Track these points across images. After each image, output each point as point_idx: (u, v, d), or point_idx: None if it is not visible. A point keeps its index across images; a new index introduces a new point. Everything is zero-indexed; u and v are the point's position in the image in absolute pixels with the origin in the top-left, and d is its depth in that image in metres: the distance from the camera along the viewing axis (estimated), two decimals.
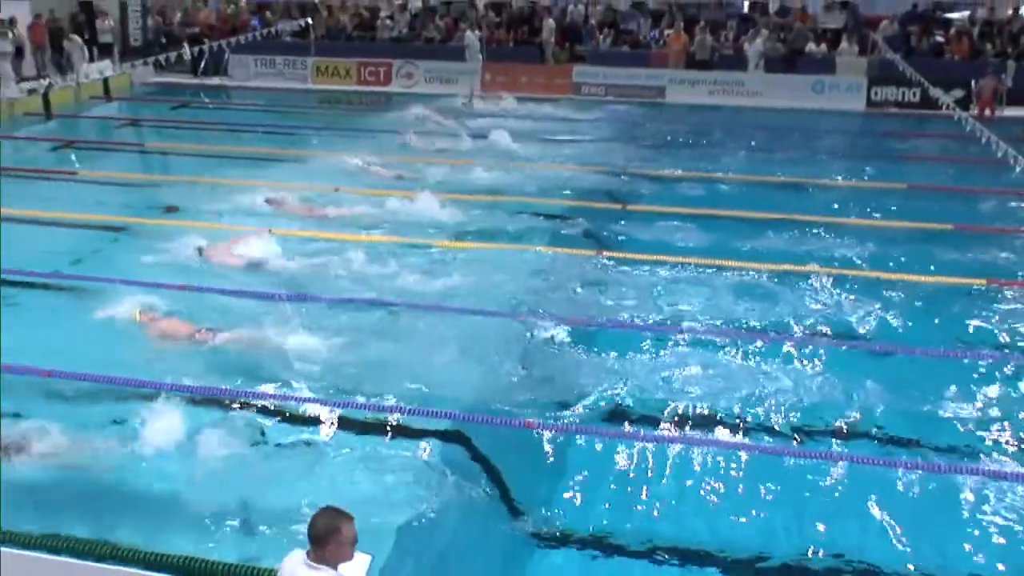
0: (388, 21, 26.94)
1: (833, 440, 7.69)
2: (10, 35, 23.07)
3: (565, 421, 7.83)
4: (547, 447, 7.53)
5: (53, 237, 12.37)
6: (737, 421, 7.86)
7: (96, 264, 11.20)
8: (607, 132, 19.95)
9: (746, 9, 29.68)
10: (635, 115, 21.97)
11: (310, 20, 26.57)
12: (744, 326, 9.75)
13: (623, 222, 13.45)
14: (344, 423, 7.73)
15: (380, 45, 26.23)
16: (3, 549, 5.16)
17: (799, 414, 7.96)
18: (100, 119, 21.11)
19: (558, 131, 19.84)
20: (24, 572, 5.12)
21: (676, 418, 7.91)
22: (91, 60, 24.15)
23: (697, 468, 7.25)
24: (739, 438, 7.66)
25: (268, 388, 8.18)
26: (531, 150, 17.82)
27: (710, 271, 11.24)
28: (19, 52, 23.41)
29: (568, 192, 14.97)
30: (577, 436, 7.68)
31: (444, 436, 7.56)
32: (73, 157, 17.35)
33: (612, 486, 7.03)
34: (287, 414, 7.83)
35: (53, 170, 15.76)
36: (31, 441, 7.01)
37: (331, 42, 26.52)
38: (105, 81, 23.07)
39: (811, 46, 24.31)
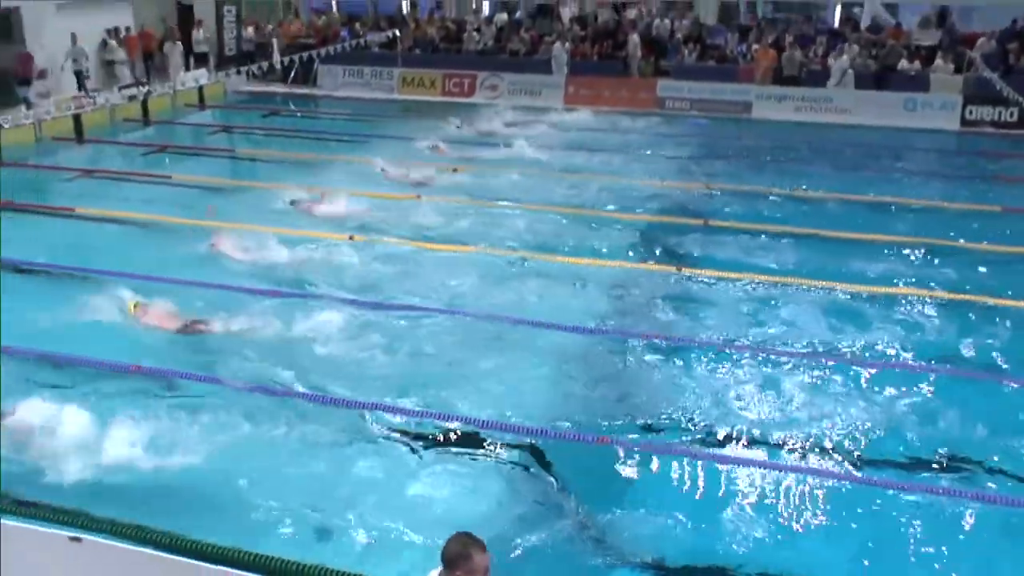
0: (475, 34, 27.20)
1: (921, 470, 7.42)
2: (116, 48, 24.56)
3: (640, 439, 7.76)
4: (622, 464, 7.45)
5: (144, 237, 12.82)
6: (817, 446, 7.67)
7: (183, 266, 11.56)
8: (690, 147, 19.76)
9: (836, 24, 29.07)
10: (720, 130, 21.74)
11: (398, 32, 26.98)
12: (826, 348, 9.52)
13: (704, 238, 13.28)
14: (416, 434, 7.78)
15: (465, 57, 26.49)
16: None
17: (882, 442, 7.74)
18: (194, 126, 21.75)
19: (640, 145, 19.74)
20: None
21: (753, 440, 7.76)
22: (188, 69, 25.03)
23: (772, 492, 7.10)
24: (819, 464, 7.47)
25: (342, 393, 8.33)
26: (612, 163, 17.81)
27: (793, 290, 11.04)
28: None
29: (649, 207, 14.85)
30: (653, 455, 7.58)
31: (518, 449, 7.57)
32: (167, 161, 17.95)
33: (686, 507, 6.92)
34: (363, 422, 7.94)
35: (147, 173, 16.31)
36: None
37: (417, 53, 26.89)
38: (200, 89, 23.83)
39: (904, 63, 23.67)
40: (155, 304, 9.87)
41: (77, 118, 19.74)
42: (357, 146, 19.12)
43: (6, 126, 17.95)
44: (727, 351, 9.43)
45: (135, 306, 9.77)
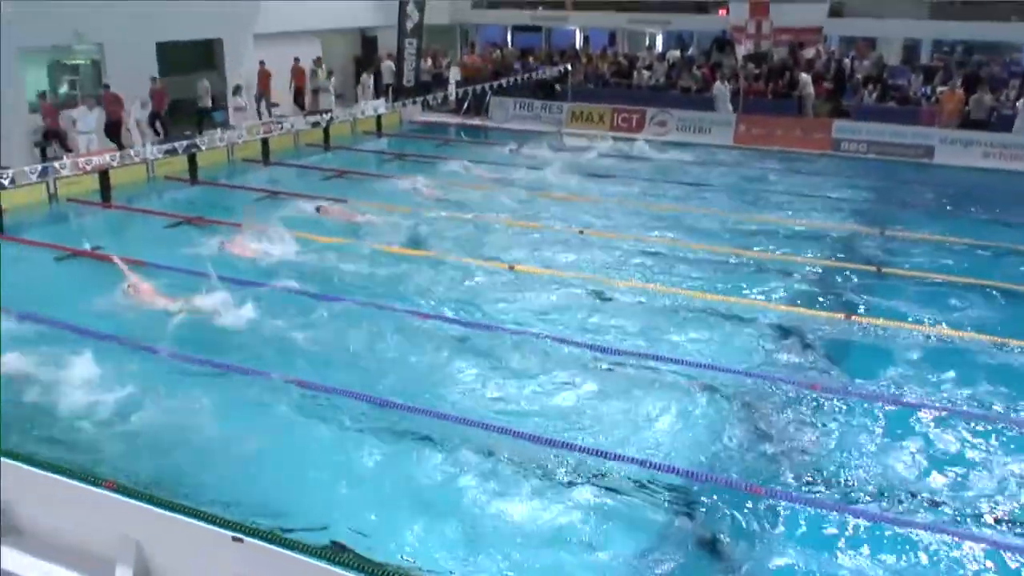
0: (646, 70, 27.22)
1: None
2: (322, 76, 26.33)
3: (793, 491, 7.47)
4: (772, 516, 7.18)
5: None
6: (986, 514, 7.16)
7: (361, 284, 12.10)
8: (866, 190, 18.99)
9: None
10: (898, 174, 20.73)
11: (569, 67, 27.34)
12: (1004, 410, 8.89)
13: (876, 286, 12.71)
14: (562, 468, 7.78)
15: (635, 93, 26.53)
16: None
17: None
18: (370, 152, 22.69)
19: (812, 186, 19.16)
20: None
21: (916, 503, 7.32)
22: (378, 96, 26.40)
23: (934, 559, 6.65)
24: (989, 534, 6.95)
25: (491, 419, 8.45)
26: (781, 203, 17.36)
27: (969, 346, 10.39)
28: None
29: (819, 250, 14.38)
30: (805, 508, 7.27)
31: (666, 490, 7.45)
32: (344, 183, 18.80)
33: (837, 569, 6.59)
34: (507, 448, 8.01)
35: (325, 196, 17.10)
36: None
37: (588, 88, 27.13)
38: (378, 118, 24.93)
39: None
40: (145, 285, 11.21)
41: (265, 142, 21.09)
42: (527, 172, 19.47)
43: (203, 148, 19.34)
44: (893, 405, 8.97)
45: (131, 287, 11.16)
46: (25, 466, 6.57)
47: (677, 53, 28.90)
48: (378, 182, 18.64)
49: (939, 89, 23.70)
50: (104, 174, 17.23)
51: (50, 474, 6.47)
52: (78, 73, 21.53)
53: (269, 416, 8.58)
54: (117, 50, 20.71)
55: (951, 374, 9.60)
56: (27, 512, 6.52)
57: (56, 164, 16.79)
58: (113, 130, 20.31)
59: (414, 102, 25.75)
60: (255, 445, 7.94)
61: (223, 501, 6.93)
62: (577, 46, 31.18)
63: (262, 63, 24.28)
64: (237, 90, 22.62)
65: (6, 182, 15.51)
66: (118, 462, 7.62)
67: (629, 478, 7.60)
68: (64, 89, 21.23)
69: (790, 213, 16.71)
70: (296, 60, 25.13)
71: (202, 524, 5.84)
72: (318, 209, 15.53)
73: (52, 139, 19.08)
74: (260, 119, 23.06)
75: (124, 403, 8.57)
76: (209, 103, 22.98)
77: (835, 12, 26.24)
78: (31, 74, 20.02)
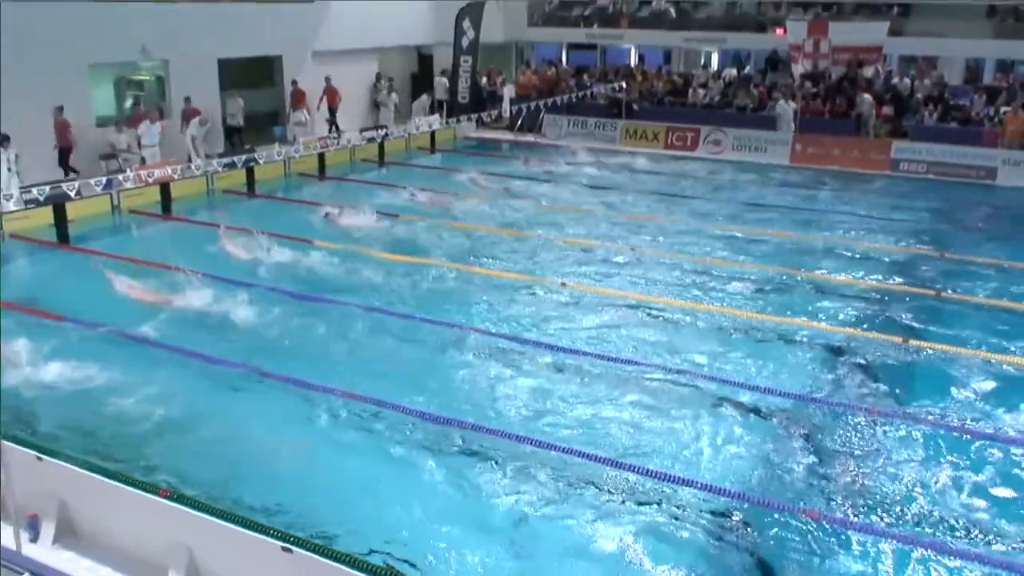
0: (701, 89, 27.08)
1: None
2: (383, 90, 26.82)
3: (849, 517, 7.34)
4: (826, 541, 7.06)
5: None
6: None
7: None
8: (926, 212, 18.64)
9: None
10: (959, 196, 20.31)
11: (624, 84, 27.32)
12: None
13: (935, 310, 12.45)
14: (618, 487, 7.75)
15: (690, 111, 26.40)
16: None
17: None
18: (422, 168, 22.86)
19: (870, 206, 18.86)
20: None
21: (974, 533, 7.14)
22: (431, 112, 26.66)
23: None
24: None
25: (540, 436, 8.43)
26: (838, 224, 17.13)
27: None
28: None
29: (876, 272, 14.13)
30: (860, 534, 7.12)
31: (719, 512, 7.38)
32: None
33: None
34: (565, 468, 7.99)
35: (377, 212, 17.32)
36: None
37: (643, 106, 27.05)
38: (432, 134, 25.15)
39: None
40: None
41: (321, 156, 21.42)
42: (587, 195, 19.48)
43: (261, 162, 19.69)
44: (952, 433, 8.76)
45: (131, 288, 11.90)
46: (83, 470, 6.73)
47: (733, 71, 28.71)
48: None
49: (1002, 109, 23.20)
50: (165, 187, 17.63)
51: (107, 479, 6.61)
52: (143, 89, 22.09)
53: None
54: (181, 66, 21.22)
55: (1011, 402, 9.36)
56: (84, 515, 6.68)
57: (120, 177, 17.22)
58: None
59: (468, 119, 25.92)
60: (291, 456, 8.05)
61: None
62: (632, 64, 31.15)
63: (328, 79, 24.57)
64: (297, 106, 22.98)
65: (72, 194, 15.95)
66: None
67: (681, 499, 7.54)
68: (129, 104, 21.76)
69: (847, 234, 16.47)
70: (327, 80, 24.57)
71: (253, 533, 5.91)
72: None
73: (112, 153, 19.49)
74: (318, 133, 23.35)
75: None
76: (241, 121, 22.85)
77: (895, 31, 25.84)
78: (99, 89, 20.57)
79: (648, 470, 7.90)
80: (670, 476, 7.80)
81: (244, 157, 19.52)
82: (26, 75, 17.40)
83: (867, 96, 23.92)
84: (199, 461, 7.94)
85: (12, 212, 15.40)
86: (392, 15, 27.02)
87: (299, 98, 23.59)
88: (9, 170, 16.35)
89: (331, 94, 24.64)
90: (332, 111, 24.76)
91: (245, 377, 9.68)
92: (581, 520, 7.23)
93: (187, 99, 20.82)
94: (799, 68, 25.90)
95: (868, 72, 25.47)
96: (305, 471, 7.94)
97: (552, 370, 10.13)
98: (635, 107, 26.74)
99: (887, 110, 23.95)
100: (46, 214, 15.59)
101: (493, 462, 8.05)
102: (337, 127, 24.47)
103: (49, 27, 18.05)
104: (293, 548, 5.66)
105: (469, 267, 13.95)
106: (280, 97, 24.53)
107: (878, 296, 13.03)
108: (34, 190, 15.67)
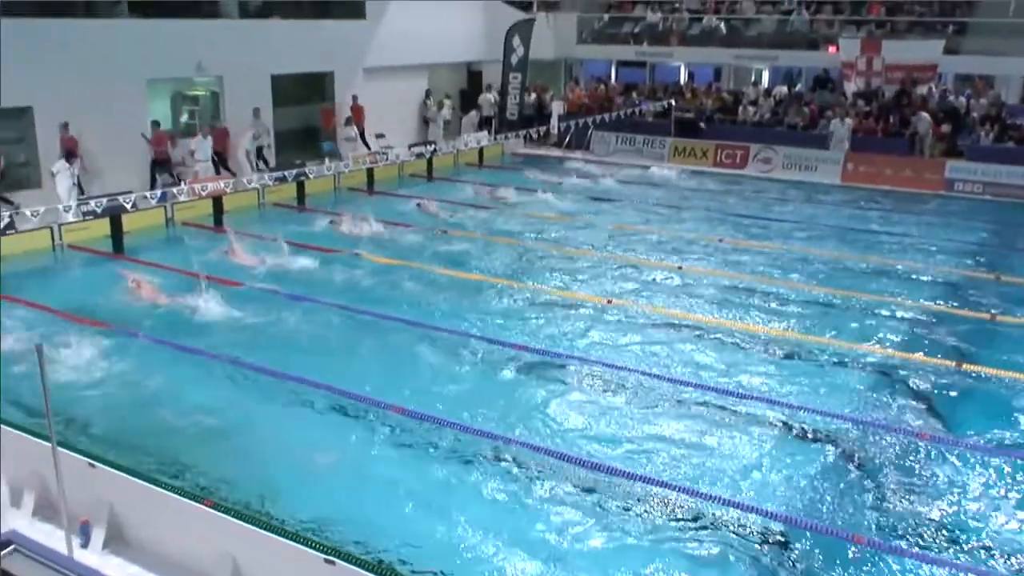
0: (750, 106, 26.89)
1: None
2: (432, 107, 27.11)
3: (896, 544, 7.19)
4: (871, 567, 6.93)
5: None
6: None
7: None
8: (981, 233, 18.27)
9: None
10: (1016, 218, 19.88)
11: (673, 101, 27.24)
12: None
13: (989, 333, 12.18)
14: (662, 506, 7.71)
15: (740, 129, 26.22)
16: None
17: None
18: (469, 183, 22.92)
19: (923, 226, 18.54)
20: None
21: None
22: (480, 128, 26.82)
23: None
24: None
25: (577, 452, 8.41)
26: (890, 244, 16.86)
27: None
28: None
29: (929, 294, 13.86)
30: (906, 561, 6.98)
31: (764, 534, 7.30)
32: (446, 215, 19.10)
33: None
34: (599, 483, 7.97)
35: (423, 226, 17.44)
36: None
37: (691, 123, 26.91)
38: (480, 150, 25.28)
39: None
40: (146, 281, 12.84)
41: (370, 172, 21.65)
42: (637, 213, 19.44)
43: (311, 176, 19.96)
44: (1006, 459, 8.56)
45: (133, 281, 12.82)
46: (133, 478, 6.85)
47: (784, 89, 28.45)
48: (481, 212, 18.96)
49: None
50: (217, 200, 17.96)
51: (156, 487, 6.72)
52: (198, 104, 22.52)
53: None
54: (235, 82, 21.60)
55: None
56: (133, 522, 6.79)
57: (174, 190, 17.58)
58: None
59: (516, 135, 26.01)
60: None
61: None
62: (681, 81, 31.04)
63: (355, 97, 24.28)
64: (348, 121, 23.25)
65: (128, 206, 16.32)
66: None
67: (724, 520, 7.47)
68: (185, 119, 22.20)
69: (900, 254, 16.20)
70: (354, 98, 24.23)
71: (297, 545, 5.97)
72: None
73: (163, 167, 19.85)
74: (369, 149, 23.55)
75: None
76: (266, 142, 22.10)
77: (951, 49, 25.43)
78: (155, 104, 21.02)
79: (692, 490, 7.84)
80: (714, 497, 7.72)
81: (295, 172, 19.81)
82: (88, 90, 17.87)
83: (924, 115, 23.49)
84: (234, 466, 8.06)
85: (71, 223, 15.84)
86: (442, 32, 27.26)
87: (357, 114, 23.83)
88: (74, 184, 16.79)
89: (357, 112, 24.23)
90: (360, 129, 24.20)
91: (292, 390, 9.82)
92: (620, 535, 7.21)
93: (256, 110, 21.30)
94: (851, 86, 25.61)
95: (922, 91, 25.09)
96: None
97: (599, 386, 10.12)
98: (702, 125, 26.56)
99: (944, 127, 23.52)
100: (103, 226, 16.01)
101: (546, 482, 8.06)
102: (367, 145, 24.15)
103: (110, 44, 18.51)
104: (336, 561, 5.70)
105: (512, 282, 14.01)
106: (332, 113, 24.83)
107: (931, 318, 12.78)
108: (92, 202, 16.09)
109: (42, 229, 15.58)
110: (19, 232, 15.21)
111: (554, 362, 10.77)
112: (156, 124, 19.48)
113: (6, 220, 15.06)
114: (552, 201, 20.05)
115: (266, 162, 21.87)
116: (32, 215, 15.35)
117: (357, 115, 23.94)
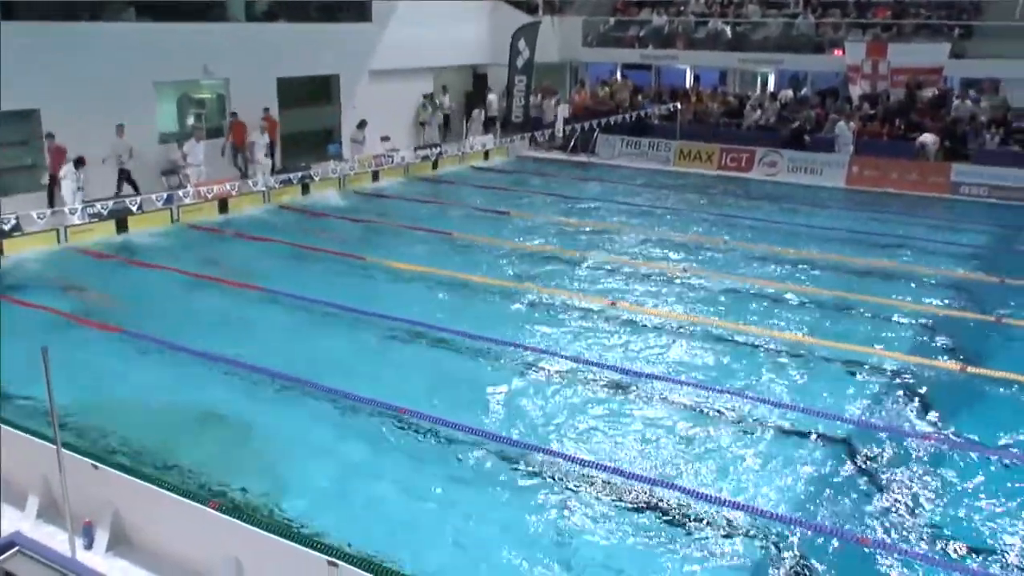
0: (756, 110, 26.85)
1: None
2: (428, 110, 26.86)
3: (902, 545, 7.18)
4: (877, 568, 6.91)
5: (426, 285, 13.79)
6: None
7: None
8: (987, 237, 18.23)
9: None
10: (1022, 220, 19.83)
11: (678, 105, 27.22)
12: None
13: (994, 337, 12.15)
14: (666, 509, 7.71)
15: (745, 132, 26.19)
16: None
17: None
18: (473, 186, 22.97)
19: (929, 230, 18.50)
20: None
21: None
22: (486, 132, 26.84)
23: None
24: None
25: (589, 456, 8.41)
26: (894, 248, 16.83)
27: None
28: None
29: (935, 298, 13.82)
30: (914, 563, 6.96)
31: (773, 536, 7.29)
32: (447, 216, 19.13)
33: None
34: (607, 484, 7.98)
35: (430, 229, 17.46)
36: None
37: (696, 126, 26.92)
38: (486, 152, 25.29)
39: None
40: None
41: (376, 173, 21.68)
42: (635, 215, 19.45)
43: (316, 179, 20.01)
44: (1009, 461, 8.54)
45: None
46: (137, 480, 6.86)
47: (790, 92, 28.39)
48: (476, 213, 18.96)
49: None
50: (223, 202, 18.00)
51: (160, 489, 6.73)
52: (204, 107, 22.55)
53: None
54: (242, 84, 21.64)
55: None
56: (137, 524, 6.81)
57: (180, 192, 17.62)
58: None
59: (522, 138, 26.05)
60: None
61: None
62: (687, 85, 30.99)
63: (234, 114, 21.34)
64: (362, 124, 23.24)
65: (134, 208, 16.37)
66: None
67: (732, 522, 7.46)
68: (191, 121, 22.24)
69: (905, 258, 16.16)
70: (265, 110, 21.65)
71: (300, 547, 5.97)
72: None
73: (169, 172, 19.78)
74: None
75: None
76: (128, 163, 18.61)
77: (957, 53, 25.35)
78: (162, 107, 21.06)
79: (697, 492, 7.85)
80: (720, 499, 7.73)
81: (300, 174, 19.86)
82: (95, 93, 17.90)
83: (930, 136, 23.20)
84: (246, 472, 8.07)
85: (76, 225, 15.90)
86: (448, 35, 27.31)
87: (238, 131, 22.81)
88: (79, 188, 16.85)
89: (271, 124, 21.79)
90: (271, 143, 21.54)
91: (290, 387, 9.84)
92: (629, 537, 7.22)
93: (233, 114, 21.05)
94: (857, 90, 25.56)
95: (928, 94, 25.02)
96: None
97: (611, 389, 10.12)
98: (645, 113, 26.29)
99: (948, 143, 23.35)
100: (108, 227, 16.07)
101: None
102: (246, 167, 21.03)
103: (117, 48, 18.54)
104: (339, 563, 5.70)
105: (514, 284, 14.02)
106: (337, 115, 24.88)
107: (936, 321, 12.76)
108: (97, 204, 16.14)
109: (48, 231, 15.65)
110: (25, 234, 15.28)
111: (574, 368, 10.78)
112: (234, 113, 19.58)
113: (12, 222, 15.12)
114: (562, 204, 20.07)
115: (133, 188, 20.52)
116: (39, 217, 15.41)
117: (238, 132, 21.21)
